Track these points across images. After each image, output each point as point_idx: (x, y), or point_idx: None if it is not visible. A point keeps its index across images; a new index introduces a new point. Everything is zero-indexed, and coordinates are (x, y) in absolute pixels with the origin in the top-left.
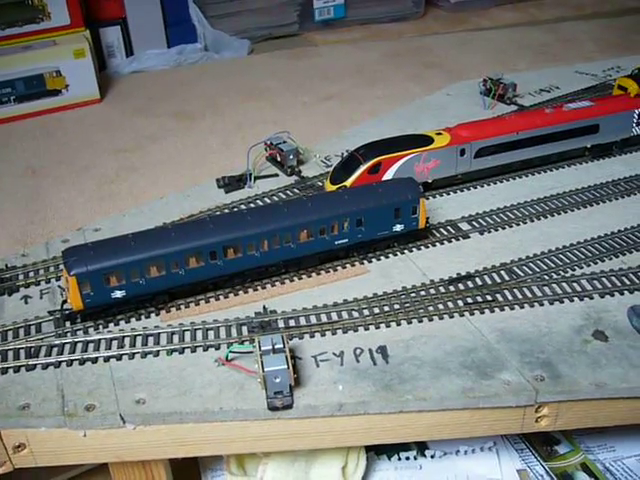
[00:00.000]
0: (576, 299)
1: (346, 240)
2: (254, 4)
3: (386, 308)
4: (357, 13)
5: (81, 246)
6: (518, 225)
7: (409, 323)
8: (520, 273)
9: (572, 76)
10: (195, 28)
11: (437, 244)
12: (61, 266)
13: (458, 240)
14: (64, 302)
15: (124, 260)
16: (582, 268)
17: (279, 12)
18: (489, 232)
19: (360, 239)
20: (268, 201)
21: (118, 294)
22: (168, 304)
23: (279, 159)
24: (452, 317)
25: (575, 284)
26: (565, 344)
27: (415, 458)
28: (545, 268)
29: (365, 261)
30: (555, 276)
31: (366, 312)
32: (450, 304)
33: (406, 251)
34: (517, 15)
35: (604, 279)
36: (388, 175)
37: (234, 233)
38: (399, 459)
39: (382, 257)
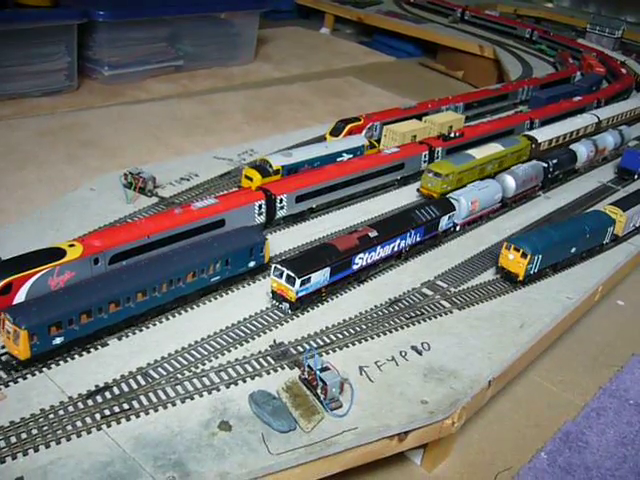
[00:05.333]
0: (205, 393)
1: (219, 277)
2: None
3: (24, 435)
4: (4, 87)
5: (23, 304)
6: (155, 325)
7: (47, 447)
8: (155, 375)
9: (210, 162)
10: None
11: (76, 356)
12: None
13: (97, 349)
14: None
15: (62, 312)
16: (211, 361)
17: None
18: (127, 337)
19: (227, 275)
20: None
21: (58, 341)
22: None
23: None
24: (90, 433)
25: (205, 378)
26: (194, 440)
27: None
28: (178, 367)
29: (2, 386)
30: (187, 373)
31: (2, 443)
32: (88, 419)
33: (45, 369)
34: (171, 87)
35: (230, 369)
36: (21, 295)
37: (143, 280)
38: None
39: (20, 379)
